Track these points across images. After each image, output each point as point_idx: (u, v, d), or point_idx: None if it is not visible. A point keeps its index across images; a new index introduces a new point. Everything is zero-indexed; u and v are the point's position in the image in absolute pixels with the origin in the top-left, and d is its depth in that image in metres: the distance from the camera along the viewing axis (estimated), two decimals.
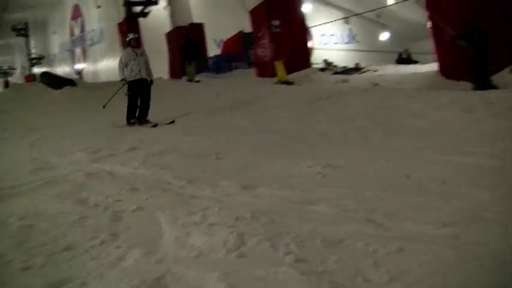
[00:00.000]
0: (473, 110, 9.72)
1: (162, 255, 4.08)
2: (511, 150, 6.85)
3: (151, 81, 13.39)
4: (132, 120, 12.92)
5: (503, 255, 3.67)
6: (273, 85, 19.01)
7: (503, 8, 13.85)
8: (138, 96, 12.99)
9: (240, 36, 28.00)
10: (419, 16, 17.48)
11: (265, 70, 21.94)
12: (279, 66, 20.56)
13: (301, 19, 23.22)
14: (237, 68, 26.69)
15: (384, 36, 34.19)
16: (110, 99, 13.63)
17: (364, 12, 28.53)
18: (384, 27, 33.93)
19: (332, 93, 13.90)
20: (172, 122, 12.22)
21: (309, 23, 24.95)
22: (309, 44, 24.20)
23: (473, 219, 4.40)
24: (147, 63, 13.27)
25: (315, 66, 23.54)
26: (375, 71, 21.15)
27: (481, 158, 6.55)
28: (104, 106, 13.67)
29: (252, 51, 25.20)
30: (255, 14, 23.13)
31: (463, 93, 11.86)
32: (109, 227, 4.81)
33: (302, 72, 21.39)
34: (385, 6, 27.18)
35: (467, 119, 9.30)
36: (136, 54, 13.05)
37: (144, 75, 13.05)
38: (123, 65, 13.01)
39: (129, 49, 13.27)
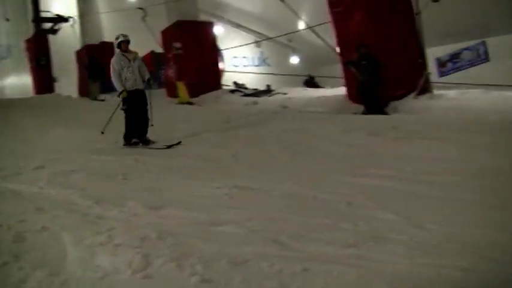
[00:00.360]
0: (378, 134, 10.01)
1: (67, 277, 4.00)
2: (415, 173, 7.07)
3: (149, 80, 11.56)
4: (133, 140, 11.29)
5: (406, 274, 3.79)
6: (176, 105, 19.17)
7: (408, 38, 14.40)
8: (136, 110, 11.24)
9: (151, 56, 27.88)
10: (329, 41, 17.86)
11: (174, 90, 21.97)
12: (181, 87, 20.73)
13: (213, 41, 23.40)
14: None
15: (294, 59, 34.62)
16: (108, 123, 11.61)
17: (276, 37, 28.86)
18: (295, 51, 34.36)
19: (242, 115, 14.02)
20: (179, 143, 10.85)
21: (221, 45, 25.12)
22: (220, 66, 24.37)
23: (378, 239, 4.55)
24: (142, 68, 11.52)
25: (226, 87, 23.69)
26: (284, 93, 21.39)
27: (386, 181, 6.75)
28: (103, 132, 11.59)
29: (163, 71, 25.19)
30: (166, 34, 23.18)
31: (370, 117, 12.21)
32: (11, 248, 4.66)
33: (213, 94, 21.58)
34: (296, 31, 27.52)
35: (373, 142, 9.55)
36: (129, 60, 11.28)
37: (140, 85, 11.38)
38: (117, 74, 11.15)
39: (119, 54, 11.38)
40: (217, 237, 4.79)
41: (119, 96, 11.34)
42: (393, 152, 8.65)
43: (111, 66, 11.26)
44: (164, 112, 15.78)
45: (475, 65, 21.04)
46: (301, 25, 26.81)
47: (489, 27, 18.93)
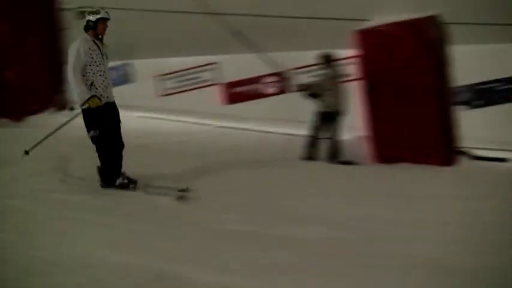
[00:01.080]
0: None
1: None
2: (32, 190, 7.06)
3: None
4: (120, 181, 7.31)
5: None
6: None
7: (48, 53, 14.45)
8: (111, 136, 7.34)
9: None
10: None
11: None
12: None
13: None
14: None
15: None
16: (39, 142, 8.42)
17: None
18: None
19: None
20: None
21: None
22: None
23: None
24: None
25: None
26: None
27: None
28: (27, 152, 8.20)
29: None
30: None
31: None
32: None
33: None
34: None
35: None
36: (102, 55, 7.22)
37: (111, 95, 7.44)
38: (80, 71, 7.01)
39: (89, 40, 7.15)
40: None
41: (82, 105, 7.15)
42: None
43: (72, 55, 7.05)
44: None
45: (120, 85, 21.67)
46: None
47: (137, 50, 19.59)
